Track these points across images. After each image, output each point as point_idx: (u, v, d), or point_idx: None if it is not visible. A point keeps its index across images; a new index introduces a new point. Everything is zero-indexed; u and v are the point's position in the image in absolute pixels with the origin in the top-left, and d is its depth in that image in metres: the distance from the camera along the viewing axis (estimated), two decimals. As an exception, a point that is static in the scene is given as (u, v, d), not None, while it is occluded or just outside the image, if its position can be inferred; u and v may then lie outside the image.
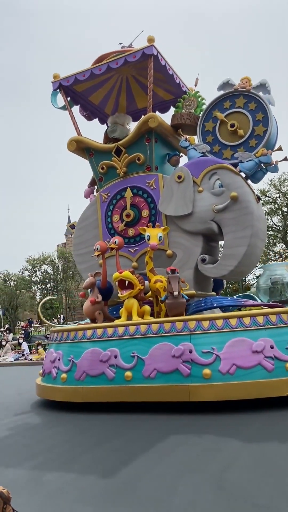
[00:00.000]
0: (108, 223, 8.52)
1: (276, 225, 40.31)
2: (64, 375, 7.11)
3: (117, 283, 7.08)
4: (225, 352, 6.09)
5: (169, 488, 3.43)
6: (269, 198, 39.42)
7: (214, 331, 6.26)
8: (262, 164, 7.68)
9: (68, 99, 9.07)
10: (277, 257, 40.90)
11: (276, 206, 39.96)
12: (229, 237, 7.44)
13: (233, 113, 7.95)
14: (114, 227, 8.44)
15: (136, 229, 8.21)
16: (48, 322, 8.23)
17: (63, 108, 9.48)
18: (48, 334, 29.41)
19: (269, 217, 39.87)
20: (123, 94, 9.71)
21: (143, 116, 9.91)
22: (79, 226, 8.89)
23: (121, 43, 9.25)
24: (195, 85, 8.65)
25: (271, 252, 41.31)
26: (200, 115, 8.24)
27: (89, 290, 8.07)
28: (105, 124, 10.33)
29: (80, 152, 8.89)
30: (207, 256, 7.63)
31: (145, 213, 8.18)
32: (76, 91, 9.09)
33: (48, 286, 44.98)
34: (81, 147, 8.75)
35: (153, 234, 7.00)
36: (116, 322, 7.12)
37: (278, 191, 39.36)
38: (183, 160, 8.99)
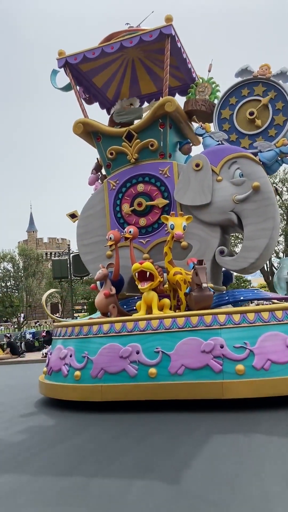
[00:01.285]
0: (116, 212, 8.04)
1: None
2: (78, 373, 6.58)
3: (136, 274, 6.63)
4: (258, 347, 5.79)
5: (123, 487, 3.41)
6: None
7: (245, 325, 5.95)
8: (279, 155, 7.47)
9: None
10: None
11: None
12: (250, 228, 7.16)
13: (251, 101, 7.69)
14: (124, 217, 7.97)
15: (148, 219, 7.80)
16: (53, 316, 7.66)
17: (64, 89, 8.93)
18: (7, 334, 28.28)
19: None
20: (127, 77, 9.25)
21: (145, 101, 9.59)
22: (84, 215, 8.35)
23: (128, 23, 8.80)
24: (209, 71, 8.32)
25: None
26: (216, 102, 7.94)
27: (97, 283, 7.59)
28: (105, 110, 9.85)
29: (86, 136, 8.36)
30: (225, 248, 7.33)
31: (158, 201, 7.76)
32: (81, 71, 8.55)
33: (8, 284, 43.46)
34: (88, 131, 8.22)
35: (178, 223, 6.59)
36: (135, 315, 6.67)
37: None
38: (195, 149, 8.65)
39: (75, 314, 32.43)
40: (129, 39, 7.70)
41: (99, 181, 8.80)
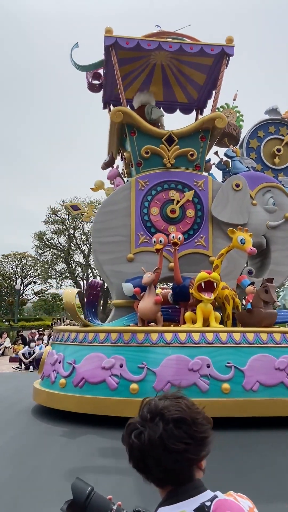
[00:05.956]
0: (143, 214, 7.51)
1: (61, 244, 41.13)
2: (134, 386, 5.84)
3: (203, 284, 6.33)
4: None
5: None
6: (59, 218, 40.12)
7: (310, 345, 6.31)
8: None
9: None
10: (57, 275, 41.67)
11: (64, 227, 40.81)
12: (277, 254, 7.66)
13: (276, 139, 8.36)
14: (152, 220, 7.51)
15: (178, 228, 7.54)
16: (85, 320, 6.46)
17: (83, 68, 8.15)
18: None
19: (56, 236, 40.59)
20: (141, 78, 8.89)
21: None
22: (104, 209, 7.52)
23: (158, 25, 8.60)
24: (234, 99, 8.70)
25: (52, 270, 41.82)
26: (247, 130, 8.35)
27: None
28: (103, 104, 9.20)
29: (117, 126, 7.67)
30: (253, 269, 7.63)
31: (190, 212, 7.60)
32: (116, 56, 7.88)
33: None
34: (124, 122, 7.56)
35: (248, 239, 6.61)
36: (184, 326, 6.39)
37: (68, 213, 40.31)
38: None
39: None
40: (190, 45, 7.55)
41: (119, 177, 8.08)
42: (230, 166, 8.40)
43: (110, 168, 8.43)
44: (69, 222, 40.71)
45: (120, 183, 7.80)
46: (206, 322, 6.48)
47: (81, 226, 42.37)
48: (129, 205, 7.52)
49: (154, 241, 6.83)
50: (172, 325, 7.23)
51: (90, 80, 8.67)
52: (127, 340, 6.14)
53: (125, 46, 7.45)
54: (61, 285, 43.28)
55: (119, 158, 9.03)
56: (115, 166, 8.62)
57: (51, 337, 18.15)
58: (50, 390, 6.53)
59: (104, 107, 9.24)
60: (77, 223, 41.44)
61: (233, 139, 8.40)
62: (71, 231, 41.09)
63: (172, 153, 7.60)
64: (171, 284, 10.56)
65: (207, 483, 1.24)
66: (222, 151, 8.62)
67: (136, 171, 7.69)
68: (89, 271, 41.32)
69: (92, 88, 8.74)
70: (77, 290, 6.80)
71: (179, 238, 6.93)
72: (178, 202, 7.52)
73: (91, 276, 41.43)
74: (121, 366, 6.00)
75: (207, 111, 9.34)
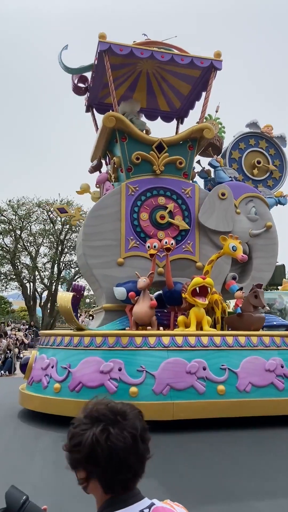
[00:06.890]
0: (133, 219, 7.61)
1: (7, 246, 39.94)
2: (134, 389, 5.91)
3: (197, 289, 6.54)
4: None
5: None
6: (5, 218, 39.03)
7: (296, 347, 6.70)
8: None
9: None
10: (2, 277, 40.42)
11: (11, 227, 39.71)
12: (258, 261, 8.04)
13: (256, 152, 8.77)
14: (141, 225, 7.63)
15: (166, 233, 7.71)
16: (80, 324, 6.38)
17: (71, 70, 8.18)
18: None
19: (1, 236, 39.40)
20: (126, 84, 8.99)
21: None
22: (95, 213, 7.53)
23: (144, 34, 8.77)
24: (216, 111, 9.02)
25: (-3, 272, 40.53)
26: (229, 142, 8.69)
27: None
28: (86, 107, 9.22)
29: (108, 130, 7.73)
30: (237, 275, 7.94)
31: (178, 219, 7.81)
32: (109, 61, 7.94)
33: None
34: (116, 127, 7.62)
35: (239, 246, 6.90)
36: (178, 330, 6.60)
37: (15, 213, 39.36)
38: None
39: None
40: (181, 57, 7.76)
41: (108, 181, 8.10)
42: (212, 175, 8.72)
43: (98, 172, 8.46)
44: (16, 222, 39.61)
45: (110, 188, 7.84)
46: (198, 326, 6.69)
47: (28, 227, 41.39)
48: (119, 210, 7.59)
49: (148, 246, 6.96)
50: (167, 329, 7.35)
51: (76, 82, 8.66)
52: (125, 344, 6.20)
53: (118, 52, 7.53)
54: (6, 287, 41.95)
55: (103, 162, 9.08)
56: (103, 170, 8.67)
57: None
58: (42, 395, 6.43)
59: (87, 111, 9.26)
60: (24, 224, 40.43)
61: (216, 149, 8.72)
62: (18, 232, 39.92)
63: (162, 160, 7.77)
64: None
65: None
66: (203, 160, 8.94)
67: (126, 176, 7.77)
68: (36, 273, 40.40)
69: (78, 90, 8.74)
70: (72, 294, 6.75)
71: (172, 244, 7.10)
72: (170, 211, 7.69)
73: (38, 279, 40.57)
74: (119, 369, 6.05)
75: (187, 121, 9.69)
